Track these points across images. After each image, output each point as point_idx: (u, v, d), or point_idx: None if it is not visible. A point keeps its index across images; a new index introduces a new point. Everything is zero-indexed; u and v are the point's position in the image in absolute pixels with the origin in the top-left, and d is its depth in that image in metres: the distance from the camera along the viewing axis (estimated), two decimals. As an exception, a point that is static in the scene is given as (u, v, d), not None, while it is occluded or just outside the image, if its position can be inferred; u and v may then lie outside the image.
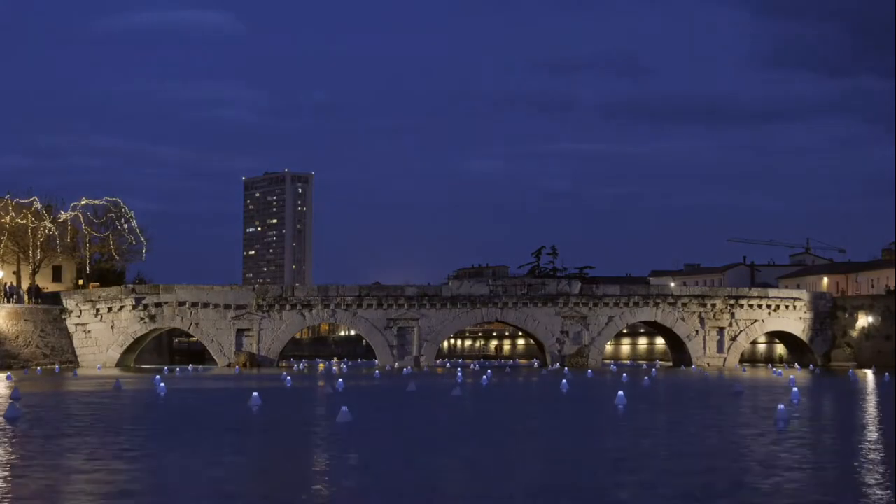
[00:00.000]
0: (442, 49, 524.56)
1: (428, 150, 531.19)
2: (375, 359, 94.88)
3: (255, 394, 40.32)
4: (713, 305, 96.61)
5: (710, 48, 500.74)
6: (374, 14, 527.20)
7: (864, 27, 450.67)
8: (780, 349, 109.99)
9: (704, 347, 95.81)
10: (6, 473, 20.44)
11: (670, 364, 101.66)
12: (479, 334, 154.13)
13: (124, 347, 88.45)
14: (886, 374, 69.35)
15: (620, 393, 41.64)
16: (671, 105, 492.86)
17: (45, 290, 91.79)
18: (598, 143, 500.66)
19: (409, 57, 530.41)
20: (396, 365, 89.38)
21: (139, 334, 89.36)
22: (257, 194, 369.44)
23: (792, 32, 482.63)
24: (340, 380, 55.96)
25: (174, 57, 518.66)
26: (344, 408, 32.43)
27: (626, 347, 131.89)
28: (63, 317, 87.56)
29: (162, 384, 50.85)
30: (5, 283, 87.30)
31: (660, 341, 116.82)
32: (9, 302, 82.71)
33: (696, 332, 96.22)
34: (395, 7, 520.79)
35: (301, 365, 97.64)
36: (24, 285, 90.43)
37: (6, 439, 26.55)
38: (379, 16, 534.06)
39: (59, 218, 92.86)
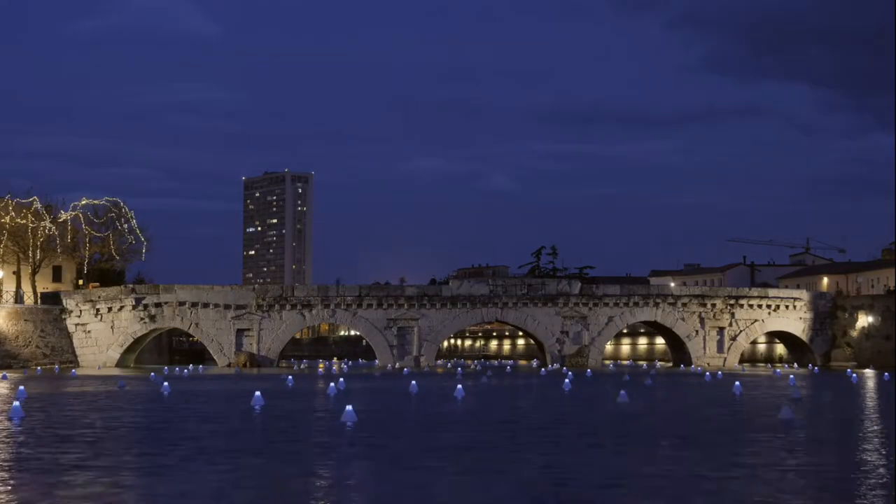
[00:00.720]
0: (443, 55, 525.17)
1: (427, 150, 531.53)
2: (375, 359, 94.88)
3: (257, 394, 40.29)
4: (713, 305, 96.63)
5: (636, 59, 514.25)
6: (373, 14, 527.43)
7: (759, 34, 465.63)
8: (780, 349, 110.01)
9: (704, 347, 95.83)
10: (8, 474, 20.45)
11: (670, 364, 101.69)
12: (479, 334, 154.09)
13: (124, 347, 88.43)
14: (886, 373, 69.40)
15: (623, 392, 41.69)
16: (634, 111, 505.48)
17: (46, 290, 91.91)
18: (576, 145, 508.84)
19: (408, 58, 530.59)
20: (396, 365, 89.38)
21: (139, 334, 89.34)
22: (257, 194, 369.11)
23: (699, 43, 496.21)
24: (342, 379, 55.91)
25: (174, 58, 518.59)
26: (349, 407, 32.39)
27: (626, 347, 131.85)
28: (63, 317, 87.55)
29: (165, 384, 50.81)
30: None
31: (660, 341, 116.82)
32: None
33: (696, 331, 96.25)
34: (398, 7, 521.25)
35: (301, 365, 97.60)
36: (25, 286, 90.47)
37: (8, 439, 26.55)
38: (380, 16, 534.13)
39: (59, 218, 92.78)
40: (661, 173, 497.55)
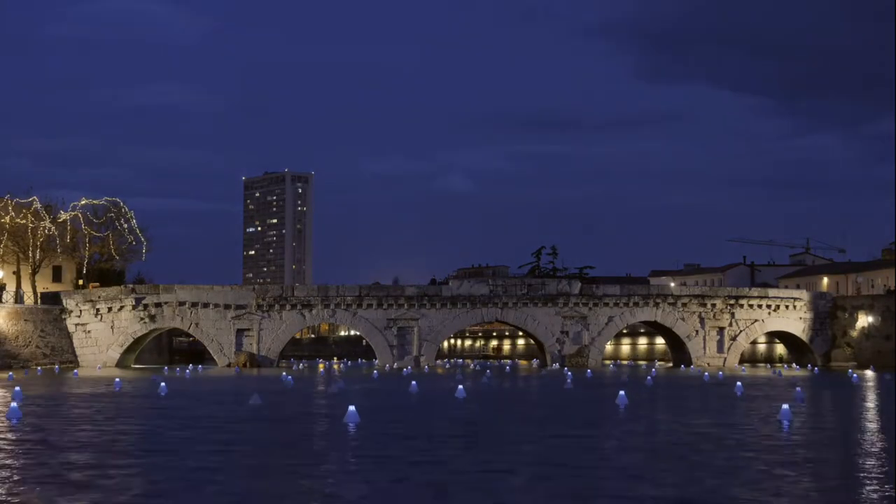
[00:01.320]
0: (445, 56, 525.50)
1: (426, 149, 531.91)
2: (375, 359, 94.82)
3: (256, 394, 40.27)
4: (713, 305, 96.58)
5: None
6: (374, 15, 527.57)
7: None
8: (780, 349, 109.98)
9: (704, 347, 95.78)
10: (8, 475, 20.43)
11: (670, 364, 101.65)
12: (479, 334, 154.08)
13: (124, 347, 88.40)
14: (886, 373, 69.35)
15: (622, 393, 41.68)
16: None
17: (46, 290, 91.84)
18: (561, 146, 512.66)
19: (412, 60, 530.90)
20: (396, 365, 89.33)
21: (139, 334, 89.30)
22: (257, 194, 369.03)
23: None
24: (342, 380, 55.87)
25: (174, 59, 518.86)
26: (351, 407, 32.30)
27: (626, 347, 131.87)
28: (63, 317, 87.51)
29: (163, 384, 50.78)
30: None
31: (660, 341, 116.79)
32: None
33: (696, 331, 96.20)
34: (401, 8, 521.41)
35: (301, 365, 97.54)
36: (25, 285, 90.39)
37: (7, 440, 26.53)
38: (381, 16, 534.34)
39: (59, 218, 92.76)
40: (660, 173, 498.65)
